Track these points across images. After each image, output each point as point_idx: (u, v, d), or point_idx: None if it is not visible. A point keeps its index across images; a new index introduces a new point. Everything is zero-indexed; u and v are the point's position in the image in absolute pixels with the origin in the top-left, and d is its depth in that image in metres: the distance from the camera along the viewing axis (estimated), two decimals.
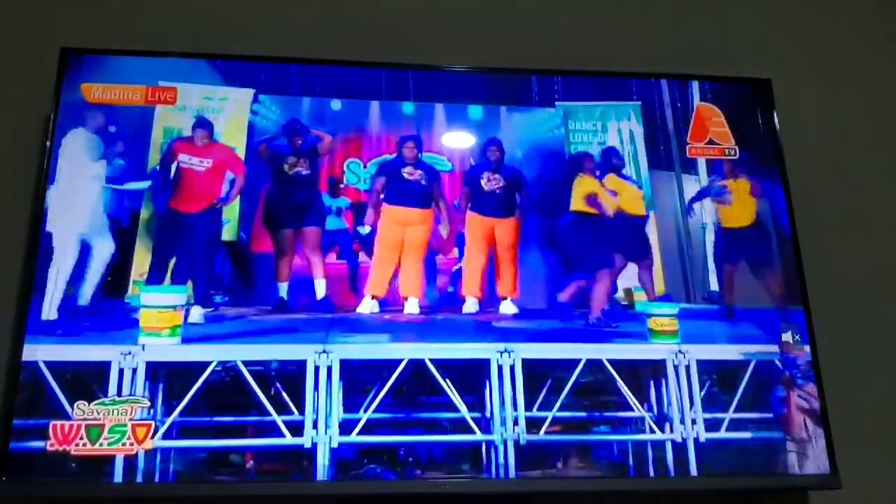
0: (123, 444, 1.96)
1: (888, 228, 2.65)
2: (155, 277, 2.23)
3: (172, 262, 2.26)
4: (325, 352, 2.10)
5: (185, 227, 2.29)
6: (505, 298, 2.39)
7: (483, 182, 2.47)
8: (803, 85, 2.75)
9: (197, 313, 2.22)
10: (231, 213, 2.36)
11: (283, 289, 2.38)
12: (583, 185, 2.42)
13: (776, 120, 2.49)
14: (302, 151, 2.42)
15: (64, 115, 2.22)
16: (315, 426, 2.03)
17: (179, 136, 2.33)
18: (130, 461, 1.95)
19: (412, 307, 2.39)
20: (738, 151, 2.48)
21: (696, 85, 2.53)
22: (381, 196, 2.46)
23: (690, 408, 2.17)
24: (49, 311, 2.11)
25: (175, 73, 2.33)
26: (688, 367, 2.21)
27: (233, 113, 2.36)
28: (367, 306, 2.35)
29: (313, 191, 2.45)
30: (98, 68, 2.29)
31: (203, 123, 2.33)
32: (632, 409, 2.17)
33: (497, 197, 2.47)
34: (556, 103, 2.50)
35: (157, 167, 2.30)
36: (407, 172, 2.45)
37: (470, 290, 2.40)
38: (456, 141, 2.46)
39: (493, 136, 2.45)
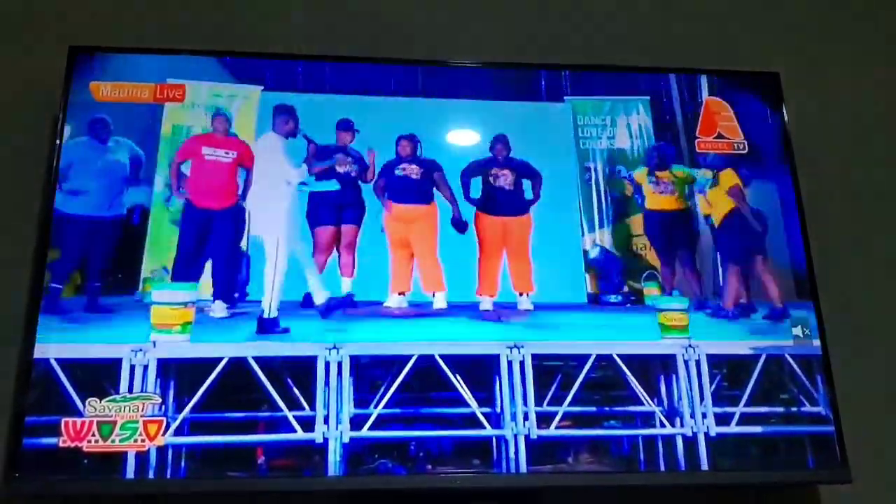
0: (135, 441, 1.97)
1: None
2: (181, 275, 2.23)
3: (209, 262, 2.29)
4: (335, 348, 2.11)
5: (210, 224, 2.29)
6: (522, 295, 2.38)
7: (492, 179, 2.46)
8: (812, 78, 2.75)
9: (220, 307, 2.23)
10: None
11: (348, 284, 2.37)
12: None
13: (785, 113, 2.49)
14: (351, 151, 2.42)
15: (73, 113, 2.23)
16: (326, 422, 2.04)
17: (192, 134, 2.33)
18: (142, 457, 1.96)
19: (440, 302, 2.36)
20: (746, 146, 2.48)
21: (704, 79, 2.53)
22: (385, 194, 2.44)
23: (701, 402, 2.17)
24: (270, 310, 2.21)
25: (183, 70, 2.34)
26: (698, 362, 2.21)
27: (241, 110, 2.36)
28: (395, 302, 2.34)
29: (356, 190, 2.43)
30: (107, 66, 2.30)
31: (223, 114, 2.33)
32: (642, 404, 2.18)
33: (508, 193, 2.45)
34: (565, 98, 2.50)
35: (175, 165, 2.29)
36: (399, 169, 2.44)
37: (485, 289, 2.38)
38: (464, 137, 2.45)
39: (499, 133, 2.44)
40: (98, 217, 2.22)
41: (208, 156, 2.31)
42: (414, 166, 2.43)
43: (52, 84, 2.27)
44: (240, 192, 2.33)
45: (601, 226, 2.43)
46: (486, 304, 2.36)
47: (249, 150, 2.34)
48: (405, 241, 2.41)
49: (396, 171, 2.43)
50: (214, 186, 2.31)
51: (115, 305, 2.16)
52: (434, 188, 2.43)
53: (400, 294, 2.35)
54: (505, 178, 2.45)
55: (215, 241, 2.29)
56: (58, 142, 2.19)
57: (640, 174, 2.48)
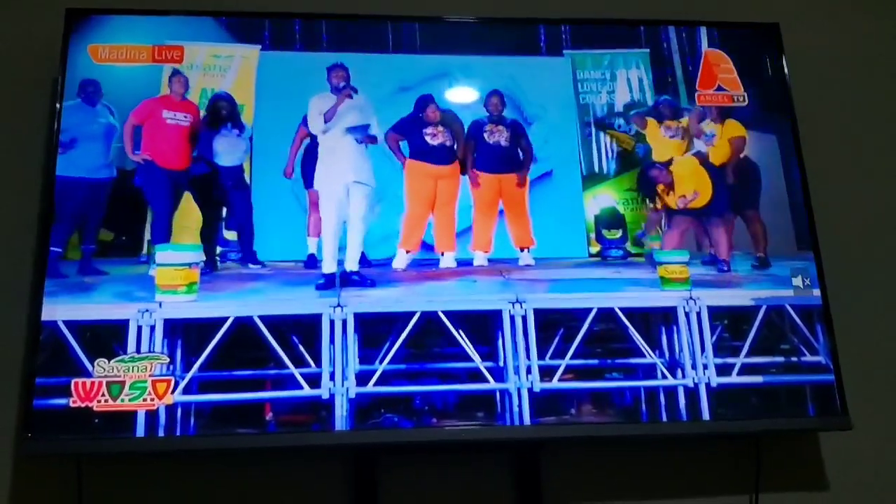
0: (144, 400, 1.99)
1: None
2: (160, 237, 2.23)
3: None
4: (339, 306, 2.13)
5: (177, 184, 2.29)
6: (523, 250, 2.39)
7: (486, 136, 2.45)
8: (812, 29, 2.73)
9: None
10: None
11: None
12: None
13: (785, 64, 2.48)
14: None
15: (72, 76, 2.23)
16: (332, 378, 2.07)
17: (188, 97, 2.33)
18: (152, 416, 1.99)
19: (449, 261, 2.37)
20: (746, 97, 2.47)
21: (704, 31, 2.51)
22: (402, 151, 2.41)
23: (702, 353, 2.20)
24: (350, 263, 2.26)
25: (181, 32, 2.34)
26: (699, 314, 2.22)
27: (240, 70, 2.36)
28: (402, 260, 2.33)
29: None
30: (104, 29, 2.30)
31: (181, 74, 2.31)
32: (644, 356, 2.20)
33: (503, 150, 2.44)
34: (565, 52, 2.48)
35: (130, 127, 2.27)
36: (430, 134, 2.42)
37: (479, 244, 2.40)
38: (464, 94, 2.44)
39: (493, 88, 2.43)
40: (93, 180, 2.22)
41: (169, 119, 2.29)
42: (441, 129, 2.41)
43: (52, 47, 2.27)
44: (194, 155, 2.32)
45: (602, 180, 2.43)
46: (480, 259, 2.37)
47: (199, 113, 2.33)
48: (430, 200, 2.41)
49: (427, 138, 2.41)
50: (175, 148, 2.30)
51: (121, 267, 2.19)
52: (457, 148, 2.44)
53: (407, 252, 2.35)
54: (500, 135, 2.44)
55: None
56: (58, 105, 2.19)
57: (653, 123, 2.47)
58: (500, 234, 2.41)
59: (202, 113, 2.33)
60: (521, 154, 2.44)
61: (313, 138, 2.36)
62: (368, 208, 2.32)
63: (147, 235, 2.23)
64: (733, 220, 2.41)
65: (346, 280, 2.24)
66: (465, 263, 2.37)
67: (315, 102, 2.33)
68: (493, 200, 2.43)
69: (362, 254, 2.30)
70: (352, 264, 2.27)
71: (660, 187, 2.42)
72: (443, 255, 2.38)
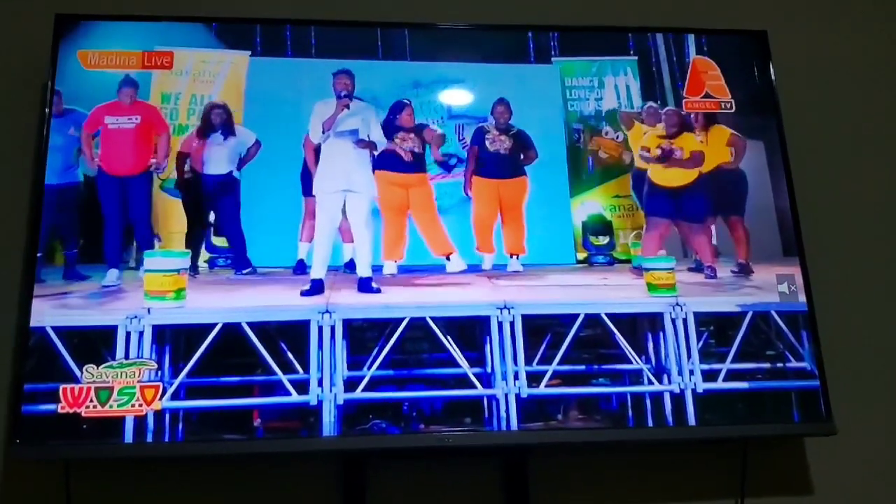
0: (133, 406, 2.00)
1: (884, 178, 2.66)
2: (114, 242, 2.23)
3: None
4: (327, 312, 2.13)
5: (126, 191, 2.28)
6: (512, 256, 2.40)
7: (488, 143, 2.46)
8: (799, 36, 2.75)
9: (113, 276, 2.20)
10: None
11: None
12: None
13: (772, 72, 2.49)
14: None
15: (61, 82, 2.23)
16: (320, 384, 2.07)
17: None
18: (140, 422, 1.99)
19: (456, 265, 2.36)
20: (734, 105, 2.48)
21: (692, 38, 2.52)
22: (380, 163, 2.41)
23: (688, 359, 2.21)
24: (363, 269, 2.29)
25: (171, 37, 2.34)
26: (685, 320, 2.24)
27: (229, 76, 2.36)
28: (390, 269, 2.33)
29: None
30: (94, 34, 2.30)
31: (129, 82, 2.30)
32: (630, 362, 2.21)
33: (503, 158, 2.44)
34: (553, 59, 2.49)
35: (86, 136, 2.27)
36: (399, 139, 2.42)
37: (485, 247, 2.40)
38: (453, 99, 2.45)
39: (500, 96, 2.44)
40: (63, 186, 2.22)
41: (111, 125, 2.28)
42: (411, 136, 2.42)
43: (42, 53, 2.26)
44: (153, 157, 2.31)
45: (589, 187, 2.44)
46: (488, 261, 2.38)
47: (158, 114, 2.33)
48: (402, 207, 2.41)
49: (397, 140, 2.40)
50: (122, 153, 2.29)
51: (108, 272, 2.19)
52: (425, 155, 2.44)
53: (395, 262, 2.35)
54: (501, 144, 2.45)
55: (133, 207, 2.27)
56: (47, 111, 2.19)
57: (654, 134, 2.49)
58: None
59: (173, 114, 2.34)
60: (523, 162, 2.45)
61: (318, 147, 2.36)
62: (370, 215, 2.32)
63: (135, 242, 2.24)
64: (712, 224, 2.43)
65: (362, 286, 2.26)
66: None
67: (318, 110, 2.34)
68: (493, 205, 2.44)
69: (351, 262, 2.32)
70: (365, 270, 2.28)
71: (659, 126, 2.46)
72: (448, 258, 2.37)
